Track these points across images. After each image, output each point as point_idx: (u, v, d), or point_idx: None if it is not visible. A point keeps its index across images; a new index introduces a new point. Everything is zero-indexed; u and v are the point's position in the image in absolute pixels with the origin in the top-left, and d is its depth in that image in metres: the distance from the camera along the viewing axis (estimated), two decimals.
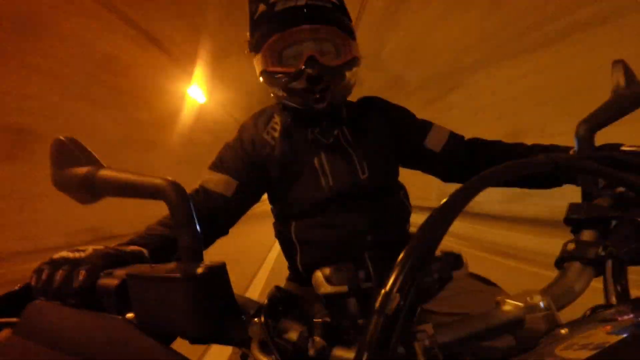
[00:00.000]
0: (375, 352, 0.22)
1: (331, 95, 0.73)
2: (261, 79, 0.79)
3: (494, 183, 0.28)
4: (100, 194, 0.41)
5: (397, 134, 0.85)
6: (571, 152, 0.60)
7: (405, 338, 0.27)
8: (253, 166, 0.80)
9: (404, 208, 0.81)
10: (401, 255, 0.24)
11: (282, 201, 0.82)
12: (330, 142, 0.80)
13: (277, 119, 0.84)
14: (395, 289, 0.23)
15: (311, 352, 0.29)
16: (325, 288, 0.32)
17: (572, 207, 0.41)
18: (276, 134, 0.82)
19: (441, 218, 0.25)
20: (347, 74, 0.75)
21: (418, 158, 0.87)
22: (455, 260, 0.34)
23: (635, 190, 0.34)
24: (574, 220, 0.41)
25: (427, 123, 0.87)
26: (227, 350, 2.01)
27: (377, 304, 0.23)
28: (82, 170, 0.40)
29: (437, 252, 0.37)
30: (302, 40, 0.72)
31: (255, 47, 0.77)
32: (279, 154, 0.79)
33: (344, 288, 0.32)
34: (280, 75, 0.73)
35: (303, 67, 0.70)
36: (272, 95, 0.81)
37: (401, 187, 0.85)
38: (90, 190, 0.40)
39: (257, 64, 0.78)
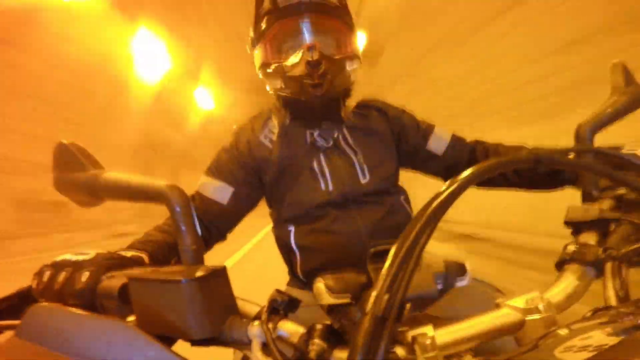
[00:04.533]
0: (367, 353, 0.22)
1: (329, 84, 0.72)
2: (260, 74, 0.78)
3: (480, 182, 0.28)
4: (102, 197, 0.41)
5: (399, 136, 0.85)
6: None
7: (404, 340, 0.27)
8: (250, 171, 0.79)
9: (405, 212, 0.80)
10: (389, 257, 0.24)
11: (280, 206, 0.81)
12: (330, 145, 0.78)
13: (274, 121, 0.82)
14: (383, 290, 0.23)
15: (312, 354, 0.29)
16: (328, 300, 0.32)
17: (572, 209, 0.41)
18: (274, 137, 0.80)
19: (426, 218, 0.25)
20: (347, 66, 0.74)
21: (420, 160, 0.86)
22: (458, 270, 0.34)
23: (615, 181, 0.34)
24: (574, 222, 0.41)
25: (429, 125, 0.86)
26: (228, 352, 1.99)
27: (367, 305, 0.23)
28: (84, 173, 0.40)
29: (441, 262, 0.37)
30: (303, 32, 0.73)
31: (256, 41, 0.77)
32: (276, 157, 0.78)
33: (346, 299, 0.32)
34: (279, 64, 0.73)
35: (302, 53, 0.70)
36: (270, 90, 0.81)
37: (402, 191, 0.84)
38: (92, 193, 0.40)
39: (257, 57, 0.78)
